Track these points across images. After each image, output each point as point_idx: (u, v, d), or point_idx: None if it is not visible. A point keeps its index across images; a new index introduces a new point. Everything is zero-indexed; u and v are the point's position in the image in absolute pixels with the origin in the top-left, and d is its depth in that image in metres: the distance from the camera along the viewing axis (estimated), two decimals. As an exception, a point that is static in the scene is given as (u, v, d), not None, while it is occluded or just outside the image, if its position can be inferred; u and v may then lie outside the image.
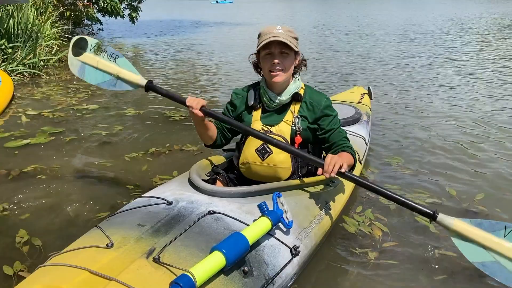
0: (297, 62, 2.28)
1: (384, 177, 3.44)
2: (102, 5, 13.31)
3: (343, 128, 2.38)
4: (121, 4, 14.37)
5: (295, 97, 2.27)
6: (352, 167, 2.25)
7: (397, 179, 3.39)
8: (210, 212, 1.81)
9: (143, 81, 2.63)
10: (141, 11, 15.03)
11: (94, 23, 14.95)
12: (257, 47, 2.22)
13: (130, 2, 14.68)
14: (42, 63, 8.16)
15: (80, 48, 2.80)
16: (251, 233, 1.66)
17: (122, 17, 14.36)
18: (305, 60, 2.36)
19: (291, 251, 1.87)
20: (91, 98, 6.10)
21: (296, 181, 2.20)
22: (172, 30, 18.47)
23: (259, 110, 2.32)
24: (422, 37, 14.16)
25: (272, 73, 2.18)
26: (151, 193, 2.10)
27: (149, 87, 2.60)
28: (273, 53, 2.17)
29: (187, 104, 2.23)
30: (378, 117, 5.02)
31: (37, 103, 5.85)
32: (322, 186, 2.30)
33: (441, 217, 1.99)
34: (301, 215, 2.05)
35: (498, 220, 2.33)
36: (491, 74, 7.89)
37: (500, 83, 7.09)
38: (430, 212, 2.00)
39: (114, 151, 4.08)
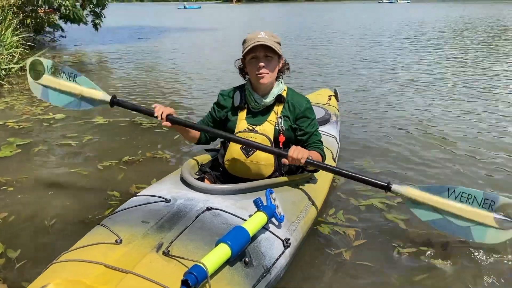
0: (280, 65, 2.43)
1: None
2: (64, 12, 13.05)
3: (325, 127, 2.51)
4: (84, 10, 14.15)
5: (278, 99, 2.42)
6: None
7: (366, 172, 3.65)
8: (208, 209, 1.93)
9: (107, 97, 2.71)
10: (104, 17, 14.82)
11: (56, 30, 14.67)
12: (243, 52, 2.35)
13: (93, 9, 14.47)
14: (3, 72, 7.95)
15: (37, 70, 2.82)
16: (251, 227, 1.80)
17: (85, 24, 14.13)
18: (288, 64, 2.50)
19: (283, 243, 2.01)
20: (57, 107, 5.93)
21: (283, 178, 2.36)
22: (138, 36, 18.35)
23: (245, 111, 2.46)
24: (383, 41, 14.58)
25: (258, 75, 2.32)
26: (146, 191, 2.20)
27: (114, 102, 2.70)
28: (258, 56, 2.30)
29: (155, 113, 2.36)
30: (345, 117, 5.18)
31: (1, 113, 5.73)
32: (304, 183, 2.48)
33: (394, 187, 2.33)
34: (289, 210, 2.19)
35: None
36: (449, 75, 8.24)
37: (458, 82, 7.40)
38: (385, 184, 2.32)
39: (85, 160, 4.03)
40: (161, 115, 2.34)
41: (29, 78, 2.85)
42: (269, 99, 2.40)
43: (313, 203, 2.46)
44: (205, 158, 2.64)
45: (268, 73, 2.32)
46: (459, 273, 2.31)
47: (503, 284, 2.23)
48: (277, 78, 2.44)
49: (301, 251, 2.31)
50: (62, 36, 15.35)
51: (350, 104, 6.06)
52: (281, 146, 2.39)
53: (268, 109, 2.44)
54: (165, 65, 10.25)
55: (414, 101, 6.25)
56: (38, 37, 14.15)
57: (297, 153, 2.19)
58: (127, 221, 1.86)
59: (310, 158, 2.23)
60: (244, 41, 2.37)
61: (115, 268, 1.53)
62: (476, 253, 2.45)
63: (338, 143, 3.55)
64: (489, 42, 14.11)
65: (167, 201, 1.99)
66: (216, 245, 1.65)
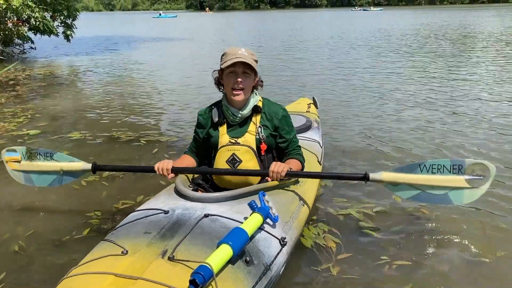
0: (255, 82, 2.53)
1: (346, 162, 4.18)
2: (34, 23, 12.82)
3: (299, 135, 2.72)
4: (54, 22, 13.93)
5: (255, 109, 2.54)
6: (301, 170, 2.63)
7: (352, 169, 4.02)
8: (206, 215, 2.04)
9: (87, 166, 2.86)
10: (76, 28, 14.62)
11: (25, 42, 14.41)
12: (222, 65, 2.43)
13: (64, 20, 14.26)
14: (-27, 86, 7.78)
15: (12, 158, 2.99)
16: (248, 227, 1.92)
17: (56, 35, 13.91)
18: (262, 81, 2.61)
19: (280, 242, 2.13)
20: (31, 123, 5.91)
21: (274, 182, 2.45)
22: (111, 47, 18.19)
23: (224, 125, 2.55)
24: (356, 48, 14.82)
25: (234, 92, 2.44)
26: (144, 206, 2.30)
27: (96, 168, 2.85)
28: (236, 72, 2.41)
29: (158, 172, 2.48)
30: (325, 123, 5.28)
31: (-28, 129, 5.59)
32: (294, 185, 2.60)
33: (372, 175, 2.50)
34: (282, 211, 2.29)
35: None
36: (415, 79, 8.53)
37: (423, 85, 7.63)
38: (362, 175, 2.50)
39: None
40: (165, 172, 2.46)
41: (8, 168, 3.02)
42: (246, 111, 2.52)
43: (304, 203, 2.60)
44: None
45: (243, 89, 2.44)
46: (446, 277, 2.40)
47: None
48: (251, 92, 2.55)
49: (289, 267, 2.33)
50: (32, 48, 15.08)
51: (328, 110, 6.21)
52: (263, 153, 2.52)
53: (246, 121, 2.55)
54: (139, 77, 10.14)
55: (383, 103, 6.66)
56: (7, 49, 13.88)
57: (277, 168, 2.34)
58: (130, 233, 1.97)
59: (290, 170, 2.38)
60: (224, 54, 2.46)
61: (125, 276, 1.63)
62: (461, 255, 2.58)
63: (321, 147, 3.68)
64: (453, 48, 14.54)
65: (166, 212, 2.10)
66: (218, 246, 1.76)
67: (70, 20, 14.30)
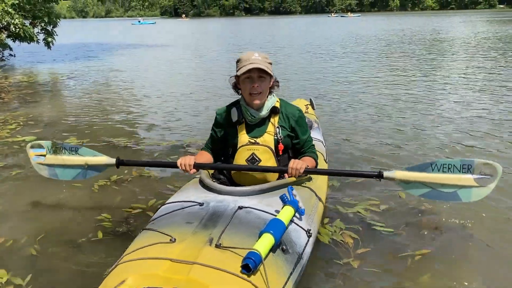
0: (271, 83, 2.60)
1: (346, 161, 4.39)
2: (14, 30, 12.62)
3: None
4: (34, 28, 13.74)
5: (274, 110, 2.62)
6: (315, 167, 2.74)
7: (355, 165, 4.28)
8: (240, 207, 2.15)
9: (112, 160, 2.97)
10: (56, 35, 14.45)
11: (4, 49, 14.17)
12: (237, 71, 2.51)
13: (44, 27, 14.08)
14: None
15: (38, 152, 3.08)
16: (284, 218, 2.06)
17: (37, 42, 13.72)
18: (277, 81, 2.69)
19: (306, 233, 2.27)
20: (24, 129, 5.86)
21: (292, 179, 2.53)
22: (92, 54, 18.02)
23: (243, 125, 2.62)
24: (339, 52, 15.10)
25: (251, 96, 2.52)
26: (174, 199, 2.42)
27: (120, 163, 2.94)
28: (252, 77, 2.47)
29: (180, 168, 2.54)
30: (323, 124, 5.39)
31: (-35, 138, 5.51)
32: (308, 181, 2.70)
33: (386, 173, 2.64)
34: (304, 205, 2.38)
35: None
36: (398, 80, 8.75)
37: (399, 87, 7.88)
38: (376, 173, 2.65)
39: (70, 182, 3.92)
40: (187, 167, 2.53)
41: (33, 162, 3.12)
42: (264, 112, 2.59)
43: (320, 199, 2.74)
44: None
45: (261, 93, 2.52)
46: (461, 265, 2.55)
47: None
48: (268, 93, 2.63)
49: (310, 262, 2.41)
50: (12, 55, 14.84)
51: (322, 111, 6.38)
52: (280, 153, 2.60)
53: (264, 121, 2.62)
54: (119, 85, 10.00)
55: (378, 105, 6.77)
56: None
57: (295, 165, 2.45)
58: (172, 223, 2.07)
59: (308, 167, 2.51)
60: (239, 61, 2.53)
61: (180, 261, 1.73)
62: (477, 245, 2.75)
63: (324, 146, 3.81)
64: (427, 53, 14.96)
65: (201, 204, 2.20)
66: (260, 235, 1.90)
67: (51, 27, 14.12)
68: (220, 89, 8.82)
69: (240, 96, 2.70)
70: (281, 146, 2.59)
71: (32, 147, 3.13)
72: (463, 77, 9.52)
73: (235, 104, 2.70)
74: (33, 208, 3.44)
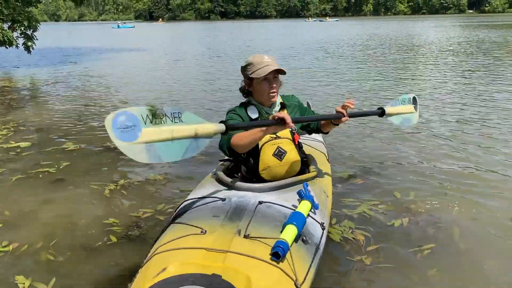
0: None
1: (342, 164, 4.48)
2: (-8, 34, 12.39)
3: (304, 136, 3.16)
4: (14, 33, 13.52)
5: (282, 105, 2.78)
6: None
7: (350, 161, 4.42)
8: (260, 202, 2.28)
9: (221, 127, 2.30)
10: (36, 39, 14.24)
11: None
12: (253, 74, 2.59)
13: (24, 31, 13.86)
14: None
15: (126, 127, 2.02)
16: (304, 212, 2.20)
17: (16, 46, 13.49)
18: (280, 81, 2.79)
19: (321, 226, 2.41)
20: (16, 135, 5.80)
21: (303, 176, 2.69)
22: (71, 58, 17.80)
23: None
24: (323, 54, 15.35)
25: (270, 96, 2.65)
26: (195, 195, 2.51)
27: (228, 127, 2.32)
28: (269, 78, 2.60)
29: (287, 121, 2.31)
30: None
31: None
32: (315, 179, 2.81)
33: (387, 110, 3.11)
34: (317, 200, 2.50)
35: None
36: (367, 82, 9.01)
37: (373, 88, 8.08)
38: (380, 111, 3.09)
39: (73, 186, 4.00)
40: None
41: (120, 143, 2.01)
42: (277, 108, 2.74)
43: (327, 195, 2.86)
44: (225, 166, 2.95)
45: (277, 91, 2.68)
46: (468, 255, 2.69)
47: None
48: None
49: (325, 259, 2.54)
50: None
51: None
52: (296, 143, 2.73)
53: None
54: (104, 89, 9.94)
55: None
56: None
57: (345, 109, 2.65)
58: (199, 217, 2.20)
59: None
60: (251, 64, 2.61)
61: (215, 250, 1.87)
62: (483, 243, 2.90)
63: (325, 147, 3.93)
64: (402, 57, 15.36)
65: (223, 200, 2.33)
66: (284, 226, 2.05)
67: (31, 31, 13.91)
68: (204, 91, 8.90)
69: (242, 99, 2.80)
70: (296, 137, 2.75)
71: (116, 119, 2.00)
72: (441, 80, 9.85)
73: (248, 104, 2.73)
74: (40, 213, 3.45)
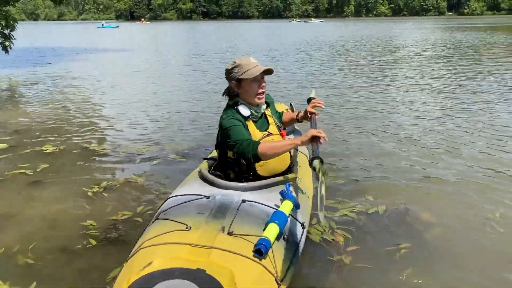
0: None
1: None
2: (-31, 34, 12.12)
3: (287, 137, 3.12)
4: (-9, 32, 13.24)
5: (266, 104, 2.88)
6: None
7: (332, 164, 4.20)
8: (244, 201, 2.35)
9: None
10: (14, 39, 13.97)
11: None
12: (242, 75, 2.65)
13: (1, 30, 13.58)
14: None
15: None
16: (286, 211, 2.28)
17: (-6, 46, 13.22)
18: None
19: (301, 226, 2.50)
20: (-7, 136, 5.69)
21: (285, 177, 2.71)
22: (51, 58, 17.55)
23: (251, 121, 2.75)
24: (306, 56, 15.44)
25: (258, 96, 2.72)
26: (179, 192, 2.57)
27: None
28: (259, 79, 2.70)
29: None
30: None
31: None
32: (296, 180, 2.84)
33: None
34: (297, 200, 2.57)
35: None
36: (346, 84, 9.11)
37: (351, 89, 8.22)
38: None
39: (49, 189, 3.95)
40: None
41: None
42: (264, 107, 2.83)
43: (308, 196, 2.93)
44: (209, 165, 2.91)
45: (264, 92, 2.77)
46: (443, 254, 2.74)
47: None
48: None
49: (305, 258, 2.59)
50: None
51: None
52: (284, 138, 2.85)
53: (262, 116, 2.83)
54: (79, 91, 9.71)
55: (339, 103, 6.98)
56: None
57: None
58: (184, 214, 2.26)
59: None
60: (239, 66, 2.66)
61: (200, 245, 1.96)
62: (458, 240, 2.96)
63: (307, 147, 3.93)
64: (381, 59, 15.56)
65: (207, 197, 2.39)
66: (266, 225, 2.14)
67: (8, 31, 13.63)
68: (187, 93, 8.87)
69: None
70: (283, 132, 2.89)
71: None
72: (421, 80, 10.01)
73: (236, 104, 2.74)
74: (17, 216, 3.40)
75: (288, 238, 2.26)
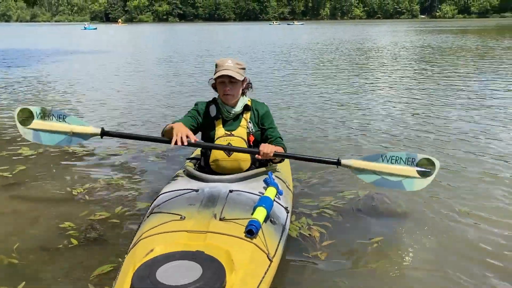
0: (244, 86, 3.03)
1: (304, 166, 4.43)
2: None
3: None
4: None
5: (246, 108, 3.04)
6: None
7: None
8: (231, 191, 2.56)
9: (96, 130, 3.15)
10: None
11: None
12: (214, 75, 2.92)
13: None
14: None
15: (25, 117, 3.17)
16: (271, 196, 2.50)
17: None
18: (250, 83, 3.11)
19: (285, 210, 2.72)
20: (-31, 140, 5.62)
21: (267, 168, 3.01)
22: (25, 61, 17.26)
23: (220, 120, 3.01)
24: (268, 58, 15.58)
25: (225, 96, 2.95)
26: (169, 189, 2.73)
27: (104, 133, 3.13)
28: (224, 81, 2.90)
29: (175, 144, 2.72)
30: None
31: None
32: (275, 171, 3.09)
33: (343, 161, 3.05)
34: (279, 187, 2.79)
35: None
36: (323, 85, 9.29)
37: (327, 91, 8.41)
38: (335, 160, 3.06)
39: (28, 191, 3.96)
40: (185, 142, 2.73)
41: (18, 125, 3.20)
42: (238, 109, 3.00)
43: (288, 184, 3.22)
44: (193, 163, 3.14)
45: (232, 94, 2.93)
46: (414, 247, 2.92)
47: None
48: (242, 94, 3.02)
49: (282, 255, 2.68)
50: None
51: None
52: (251, 144, 3.00)
53: (238, 117, 3.03)
54: (57, 93, 9.67)
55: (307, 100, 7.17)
56: None
57: (266, 148, 2.80)
58: (176, 206, 2.43)
59: (276, 151, 2.86)
60: (216, 65, 2.95)
61: (195, 231, 2.14)
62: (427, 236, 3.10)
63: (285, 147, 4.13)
64: (356, 60, 15.86)
65: (196, 190, 2.57)
66: (254, 209, 2.35)
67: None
68: (166, 95, 8.89)
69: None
70: (251, 138, 3.01)
71: (20, 111, 3.20)
72: (394, 80, 10.30)
73: (213, 102, 3.06)
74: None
75: (275, 220, 2.46)
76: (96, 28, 63.35)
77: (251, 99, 3.13)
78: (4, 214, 3.48)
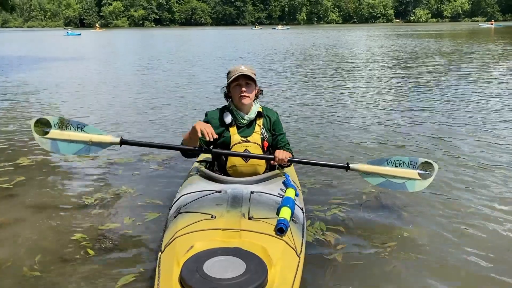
0: (256, 91, 3.13)
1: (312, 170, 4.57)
2: None
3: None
4: None
5: (259, 114, 3.14)
6: None
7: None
8: (252, 192, 2.65)
9: (116, 139, 3.21)
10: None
11: None
12: (228, 81, 3.05)
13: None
14: None
15: (43, 126, 3.22)
16: (292, 197, 2.61)
17: None
18: (261, 90, 3.22)
19: (302, 211, 2.82)
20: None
21: (279, 171, 3.10)
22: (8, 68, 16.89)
23: (235, 127, 3.10)
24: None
25: (241, 99, 3.01)
26: (187, 190, 2.80)
27: (123, 142, 3.20)
28: (241, 84, 3.01)
29: (200, 135, 2.88)
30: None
31: None
32: (287, 172, 3.20)
33: (352, 166, 3.25)
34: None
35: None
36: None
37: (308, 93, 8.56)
38: (345, 165, 3.23)
39: (29, 202, 3.91)
40: (210, 136, 2.87)
41: (35, 135, 3.25)
42: (252, 115, 3.10)
43: (296, 184, 3.19)
44: (203, 165, 3.24)
45: (249, 96, 3.02)
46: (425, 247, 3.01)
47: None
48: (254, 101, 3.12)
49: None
50: None
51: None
52: (265, 149, 3.12)
53: (251, 123, 3.13)
54: (51, 102, 9.59)
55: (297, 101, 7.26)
56: None
57: (281, 155, 2.96)
58: (203, 207, 2.50)
59: (290, 157, 3.03)
60: (229, 73, 3.08)
61: (229, 229, 2.24)
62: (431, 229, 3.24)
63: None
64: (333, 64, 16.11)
65: (219, 192, 2.66)
66: (279, 209, 2.46)
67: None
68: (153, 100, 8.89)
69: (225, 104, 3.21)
70: (265, 143, 3.12)
71: (37, 121, 3.24)
72: (373, 84, 10.52)
73: (226, 109, 3.15)
74: (10, 229, 3.39)
75: (296, 220, 2.56)
76: (80, 34, 62.33)
77: (261, 106, 3.22)
78: (11, 225, 3.45)
